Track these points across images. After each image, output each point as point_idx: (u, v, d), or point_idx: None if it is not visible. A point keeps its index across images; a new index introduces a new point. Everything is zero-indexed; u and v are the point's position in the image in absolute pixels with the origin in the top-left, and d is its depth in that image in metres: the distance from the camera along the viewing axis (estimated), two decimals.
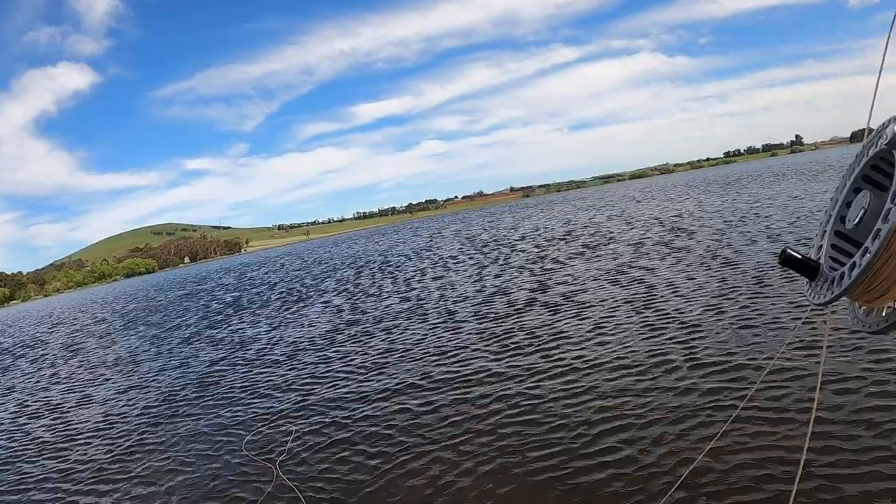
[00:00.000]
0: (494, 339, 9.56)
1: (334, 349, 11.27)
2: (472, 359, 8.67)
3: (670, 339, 7.92)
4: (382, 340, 11.18)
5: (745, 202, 26.96)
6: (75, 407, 10.75)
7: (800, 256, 1.47)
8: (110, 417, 9.49)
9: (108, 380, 12.64)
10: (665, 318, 8.98)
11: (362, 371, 9.23)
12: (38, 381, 14.47)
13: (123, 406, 10.09)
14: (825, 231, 1.55)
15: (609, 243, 19.73)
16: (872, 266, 1.20)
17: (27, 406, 11.80)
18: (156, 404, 9.72)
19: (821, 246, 1.54)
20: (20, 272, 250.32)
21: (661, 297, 10.55)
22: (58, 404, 11.28)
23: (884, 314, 1.32)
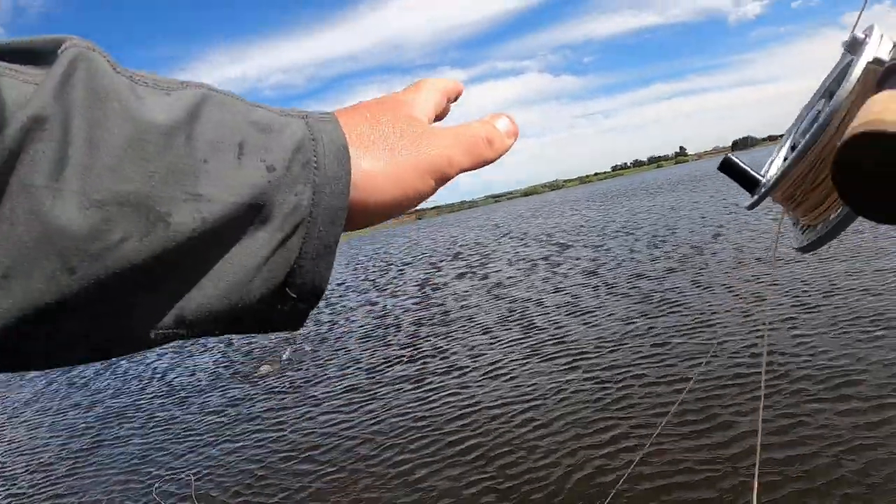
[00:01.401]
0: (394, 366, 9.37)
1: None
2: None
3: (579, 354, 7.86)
4: None
5: (624, 214, 27.72)
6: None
7: (742, 165, 1.25)
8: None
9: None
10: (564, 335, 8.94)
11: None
12: None
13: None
14: (780, 147, 1.42)
15: (493, 262, 19.95)
16: (793, 168, 1.01)
17: None
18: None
19: (772, 162, 1.39)
20: None
21: (549, 311, 10.63)
22: None
23: (802, 228, 1.06)
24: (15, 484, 7.86)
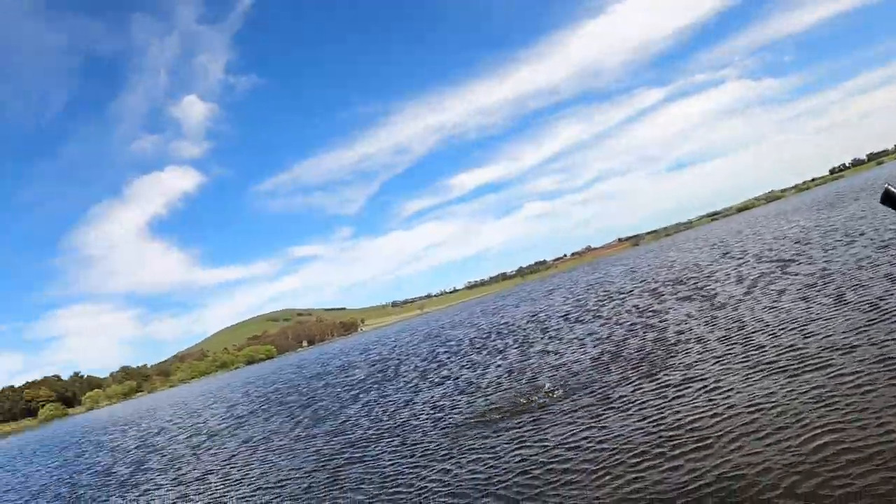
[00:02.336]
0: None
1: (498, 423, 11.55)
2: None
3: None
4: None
5: (843, 221, 26.13)
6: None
7: None
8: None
9: (254, 459, 12.75)
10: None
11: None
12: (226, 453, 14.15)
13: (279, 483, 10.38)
14: None
15: (713, 284, 19.92)
16: None
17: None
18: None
19: None
20: (145, 365, 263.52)
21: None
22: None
23: None
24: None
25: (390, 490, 8.21)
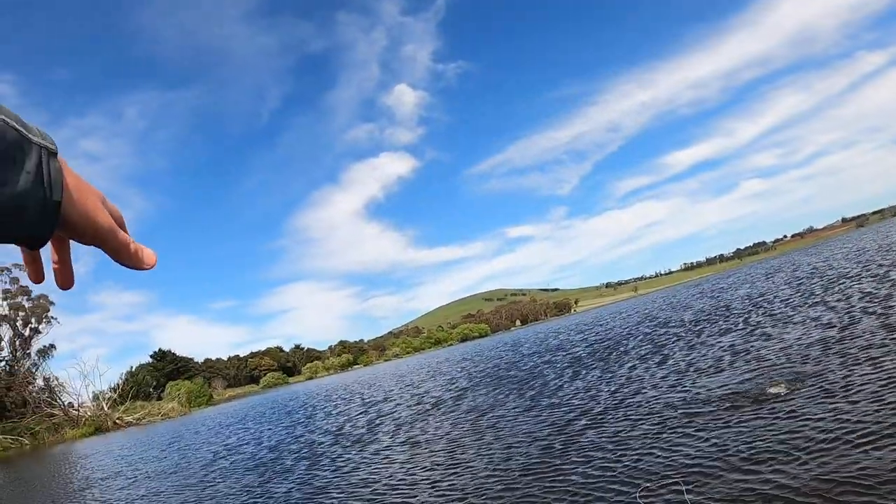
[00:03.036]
0: None
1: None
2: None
3: None
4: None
5: None
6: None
7: None
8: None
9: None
10: None
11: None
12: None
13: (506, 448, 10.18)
14: None
15: None
16: None
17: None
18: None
19: None
20: (361, 340, 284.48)
21: None
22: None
23: None
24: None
25: (615, 460, 8.07)
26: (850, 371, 9.48)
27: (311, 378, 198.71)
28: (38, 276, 1.01)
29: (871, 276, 22.60)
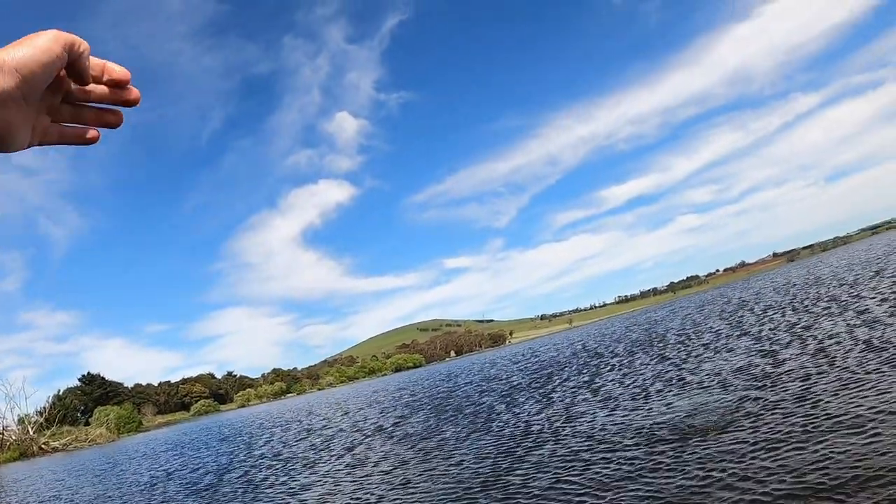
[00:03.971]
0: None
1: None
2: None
3: None
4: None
5: None
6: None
7: None
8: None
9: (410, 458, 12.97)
10: None
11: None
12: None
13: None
14: None
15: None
16: None
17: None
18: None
19: None
20: (295, 368, 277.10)
21: None
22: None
23: None
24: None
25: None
26: (774, 396, 10.23)
27: (243, 406, 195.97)
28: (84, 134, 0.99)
29: (796, 308, 23.64)
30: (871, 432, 7.16)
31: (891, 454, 6.34)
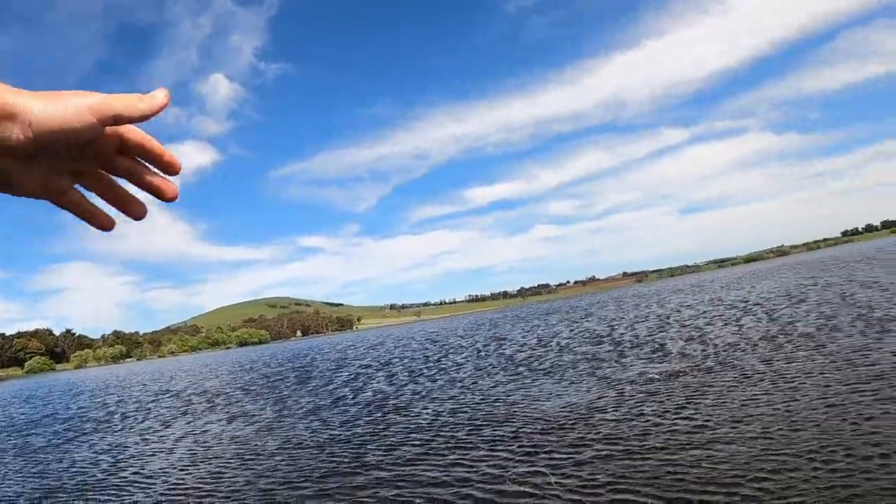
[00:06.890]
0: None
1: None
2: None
3: None
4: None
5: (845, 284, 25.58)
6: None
7: None
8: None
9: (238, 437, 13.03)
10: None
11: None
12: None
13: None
14: None
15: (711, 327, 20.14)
16: None
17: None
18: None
19: None
20: (137, 332, 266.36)
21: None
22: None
23: None
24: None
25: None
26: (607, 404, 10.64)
27: (79, 367, 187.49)
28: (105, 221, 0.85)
29: (642, 321, 24.91)
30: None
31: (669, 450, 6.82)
